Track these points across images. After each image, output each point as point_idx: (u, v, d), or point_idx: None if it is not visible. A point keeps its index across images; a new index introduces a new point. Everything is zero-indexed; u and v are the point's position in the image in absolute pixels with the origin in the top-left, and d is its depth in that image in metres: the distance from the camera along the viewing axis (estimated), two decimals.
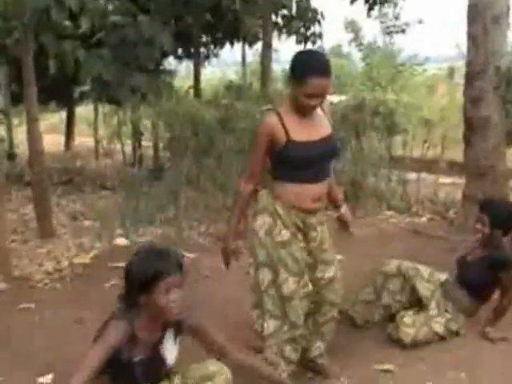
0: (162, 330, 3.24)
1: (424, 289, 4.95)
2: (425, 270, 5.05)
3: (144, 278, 3.03)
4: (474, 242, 5.19)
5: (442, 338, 4.84)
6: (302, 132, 3.79)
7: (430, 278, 5.02)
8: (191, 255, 7.09)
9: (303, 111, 3.80)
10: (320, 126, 3.92)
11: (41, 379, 3.96)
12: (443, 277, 5.11)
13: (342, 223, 4.44)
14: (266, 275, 3.89)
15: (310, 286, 3.96)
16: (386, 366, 4.41)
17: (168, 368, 3.28)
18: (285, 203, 3.89)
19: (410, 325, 4.77)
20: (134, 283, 3.08)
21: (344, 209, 4.39)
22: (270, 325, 3.91)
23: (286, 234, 3.87)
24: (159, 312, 3.10)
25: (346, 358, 4.39)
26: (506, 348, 4.67)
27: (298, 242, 3.92)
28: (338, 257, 6.60)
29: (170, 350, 3.26)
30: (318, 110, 3.94)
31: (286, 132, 3.74)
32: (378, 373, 4.35)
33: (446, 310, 4.94)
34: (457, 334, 4.91)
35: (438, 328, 4.83)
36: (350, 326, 5.07)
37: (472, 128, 7.95)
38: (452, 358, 4.53)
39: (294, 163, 3.82)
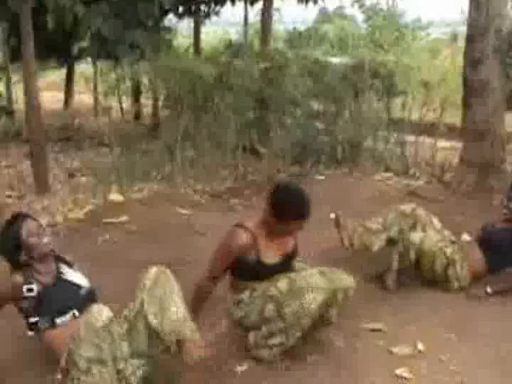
0: (54, 265, 3.86)
1: (432, 235, 5.01)
2: (437, 223, 5.09)
3: (14, 240, 3.70)
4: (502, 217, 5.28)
5: (445, 268, 4.92)
6: (272, 252, 3.94)
7: (440, 230, 5.06)
8: (186, 212, 7.09)
9: (278, 234, 3.97)
10: (288, 243, 4.07)
11: (30, 333, 4.01)
12: (453, 237, 5.15)
13: None
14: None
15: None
16: (376, 325, 4.41)
17: (87, 289, 3.84)
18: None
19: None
20: (10, 249, 3.73)
21: None
22: None
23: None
24: (38, 250, 3.72)
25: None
26: (496, 311, 4.66)
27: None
28: (333, 216, 6.68)
29: (73, 275, 3.85)
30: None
31: (258, 254, 3.88)
32: (368, 332, 4.34)
33: (454, 257, 4.97)
34: (459, 287, 4.96)
35: (447, 250, 4.94)
36: None
37: (471, 91, 7.89)
38: (442, 319, 4.52)
39: (257, 277, 3.93)
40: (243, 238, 3.86)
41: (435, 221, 5.11)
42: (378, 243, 5.16)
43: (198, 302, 4.01)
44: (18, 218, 3.82)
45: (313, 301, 3.64)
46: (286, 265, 4.02)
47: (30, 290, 3.59)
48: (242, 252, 3.86)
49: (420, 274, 5.12)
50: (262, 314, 3.81)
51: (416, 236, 4.93)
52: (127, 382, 3.26)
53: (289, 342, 3.79)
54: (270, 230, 3.93)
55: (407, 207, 5.19)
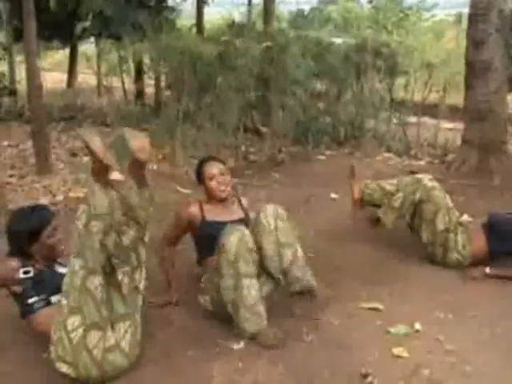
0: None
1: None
2: (449, 200, 5.05)
3: (32, 233, 3.66)
4: None
5: (446, 230, 4.93)
6: (215, 215, 4.37)
7: (452, 207, 5.02)
8: (186, 191, 7.09)
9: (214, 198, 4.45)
10: (233, 212, 4.48)
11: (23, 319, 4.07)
12: (460, 220, 5.14)
13: None
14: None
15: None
16: (374, 305, 4.41)
17: None
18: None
19: None
20: (22, 238, 3.66)
21: None
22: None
23: None
24: (51, 252, 3.76)
25: (332, 295, 4.40)
26: (494, 292, 4.66)
27: None
28: (334, 196, 6.71)
29: (63, 265, 3.80)
30: (235, 205, 4.58)
31: (202, 215, 4.37)
32: (365, 311, 4.33)
33: (458, 229, 4.98)
34: (457, 262, 4.97)
35: (453, 216, 4.98)
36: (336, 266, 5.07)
37: (473, 71, 7.88)
38: (440, 299, 4.51)
39: (209, 239, 4.14)
40: (190, 204, 4.46)
41: (447, 197, 5.05)
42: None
43: (164, 269, 4.44)
44: (45, 213, 3.82)
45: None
46: None
47: (27, 272, 3.61)
48: (192, 216, 4.37)
49: (418, 236, 5.11)
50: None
51: (429, 182, 4.91)
52: (119, 347, 3.30)
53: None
54: (208, 196, 4.47)
55: (424, 176, 5.10)
